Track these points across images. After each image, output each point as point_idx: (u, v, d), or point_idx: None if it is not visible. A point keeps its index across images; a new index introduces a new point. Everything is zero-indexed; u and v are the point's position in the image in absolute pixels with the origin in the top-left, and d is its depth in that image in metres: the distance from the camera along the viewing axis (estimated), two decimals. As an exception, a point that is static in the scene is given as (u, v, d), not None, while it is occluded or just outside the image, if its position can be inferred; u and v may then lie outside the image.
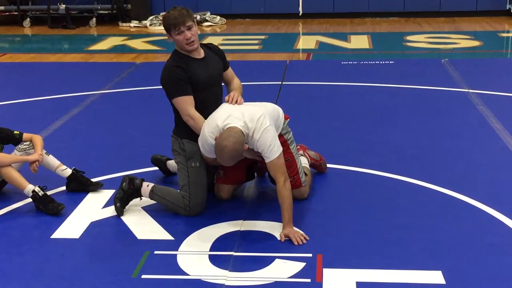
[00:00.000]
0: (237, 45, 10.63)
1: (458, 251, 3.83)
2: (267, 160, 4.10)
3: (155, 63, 9.26)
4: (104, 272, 3.68)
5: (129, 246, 3.98)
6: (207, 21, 12.82)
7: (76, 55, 10.19)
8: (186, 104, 4.31)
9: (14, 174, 4.47)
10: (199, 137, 4.25)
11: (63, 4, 12.76)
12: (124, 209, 4.38)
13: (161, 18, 12.67)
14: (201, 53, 4.42)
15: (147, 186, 4.43)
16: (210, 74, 4.40)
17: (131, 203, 4.44)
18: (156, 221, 4.28)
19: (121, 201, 4.38)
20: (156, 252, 3.89)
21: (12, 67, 9.38)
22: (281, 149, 4.12)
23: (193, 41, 4.32)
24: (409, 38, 11.03)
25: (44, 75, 8.81)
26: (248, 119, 4.09)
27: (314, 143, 5.30)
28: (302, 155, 4.82)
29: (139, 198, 4.44)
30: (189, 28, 4.30)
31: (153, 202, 4.46)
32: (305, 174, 4.58)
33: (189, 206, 4.31)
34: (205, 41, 11.08)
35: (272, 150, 4.06)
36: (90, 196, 4.68)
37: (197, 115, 4.30)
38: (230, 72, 4.61)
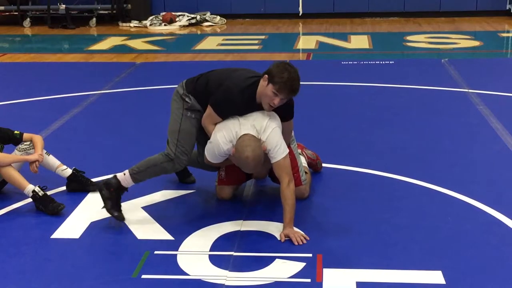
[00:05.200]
0: (237, 45, 10.63)
1: (458, 251, 3.83)
2: (273, 161, 4.11)
3: (155, 63, 9.26)
4: (104, 272, 3.68)
5: (129, 246, 3.98)
6: (207, 21, 12.82)
7: (76, 55, 10.19)
8: (212, 119, 4.19)
9: (14, 174, 4.47)
10: (207, 144, 4.23)
11: (63, 4, 12.76)
12: (123, 210, 4.31)
13: (161, 18, 12.67)
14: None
15: (124, 175, 4.28)
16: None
17: (130, 203, 4.43)
18: (156, 221, 4.28)
19: (113, 209, 4.22)
20: (156, 252, 3.89)
21: (12, 67, 9.37)
22: (287, 150, 4.14)
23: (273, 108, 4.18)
24: (409, 38, 11.03)
25: (44, 75, 8.81)
26: (256, 122, 4.12)
27: (314, 143, 5.30)
28: (300, 154, 4.82)
29: (125, 191, 4.30)
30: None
31: (153, 202, 4.45)
32: (305, 173, 4.59)
33: (174, 153, 4.20)
34: (204, 41, 11.19)
35: (278, 150, 4.08)
36: (90, 196, 4.67)
37: (212, 128, 4.21)
38: (287, 125, 4.30)
